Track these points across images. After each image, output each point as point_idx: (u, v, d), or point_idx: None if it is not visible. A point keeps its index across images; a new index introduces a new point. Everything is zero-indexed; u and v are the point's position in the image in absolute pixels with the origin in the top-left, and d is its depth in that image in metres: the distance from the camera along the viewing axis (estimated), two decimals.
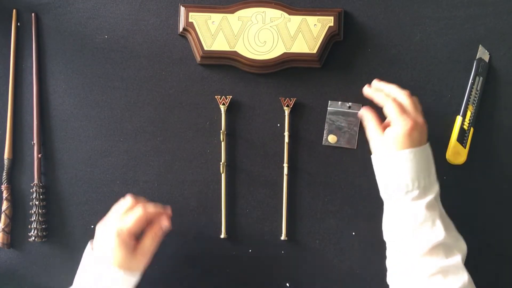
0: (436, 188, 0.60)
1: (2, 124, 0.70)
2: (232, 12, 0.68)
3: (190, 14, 0.68)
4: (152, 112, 0.70)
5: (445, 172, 0.70)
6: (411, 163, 0.58)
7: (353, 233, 0.66)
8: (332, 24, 0.69)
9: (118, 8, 0.71)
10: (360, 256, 0.66)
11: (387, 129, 0.61)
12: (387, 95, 0.63)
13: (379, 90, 0.65)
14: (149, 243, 0.61)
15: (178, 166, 0.70)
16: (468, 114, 0.69)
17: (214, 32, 0.68)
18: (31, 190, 0.69)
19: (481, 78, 0.70)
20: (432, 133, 0.70)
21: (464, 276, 0.56)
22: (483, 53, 0.70)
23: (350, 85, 0.71)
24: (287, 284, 0.70)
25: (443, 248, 0.57)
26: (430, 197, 0.58)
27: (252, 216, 0.70)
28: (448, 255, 0.57)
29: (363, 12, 0.71)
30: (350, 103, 0.70)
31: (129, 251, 0.59)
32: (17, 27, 0.70)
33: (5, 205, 0.69)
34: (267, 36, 0.68)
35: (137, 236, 0.61)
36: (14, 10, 0.70)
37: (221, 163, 0.69)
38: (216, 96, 0.69)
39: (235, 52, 0.68)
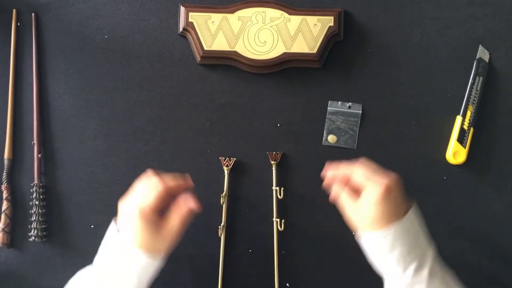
0: (430, 250, 0.56)
1: (2, 124, 0.70)
2: (232, 12, 0.68)
3: (190, 14, 0.68)
4: (152, 112, 0.70)
5: (445, 172, 0.70)
6: (402, 238, 0.54)
7: (353, 233, 0.65)
8: (332, 24, 0.68)
9: (118, 8, 0.71)
10: (360, 256, 0.65)
11: (362, 198, 0.56)
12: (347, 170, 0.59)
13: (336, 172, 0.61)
14: (175, 223, 0.57)
15: (178, 166, 0.70)
16: (468, 114, 0.69)
17: (214, 32, 0.68)
18: (31, 190, 0.69)
19: (481, 78, 0.70)
20: (432, 133, 0.70)
21: None
22: (483, 53, 0.70)
23: (350, 85, 0.71)
24: (287, 284, 0.70)
25: None
26: (428, 263, 0.55)
27: (252, 216, 0.70)
28: None
29: (363, 12, 0.71)
30: (350, 103, 0.70)
31: (153, 230, 0.55)
32: (17, 27, 0.70)
33: (5, 205, 0.69)
34: (267, 36, 0.68)
35: (162, 213, 0.57)
36: (14, 10, 0.70)
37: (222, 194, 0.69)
38: (220, 158, 0.69)
39: (235, 52, 0.68)
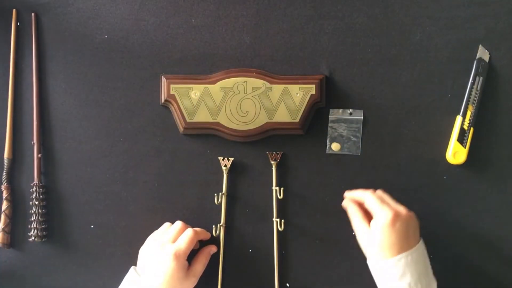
0: (435, 283, 0.59)
1: (2, 124, 0.70)
2: (214, 82, 0.68)
3: (172, 86, 0.68)
4: (152, 112, 0.70)
5: (445, 172, 0.70)
6: (411, 267, 0.57)
7: (354, 233, 0.66)
8: (314, 92, 0.68)
9: (118, 8, 0.71)
10: (360, 256, 0.66)
11: (371, 222, 0.60)
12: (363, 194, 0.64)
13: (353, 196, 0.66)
14: (201, 266, 0.65)
15: (178, 166, 0.70)
16: (468, 114, 0.69)
17: (196, 103, 0.68)
18: (31, 190, 0.69)
19: (481, 78, 0.70)
20: (432, 133, 0.70)
21: None
22: (483, 53, 0.70)
23: (350, 87, 0.71)
24: (287, 284, 0.70)
25: None
26: None
27: (252, 216, 0.70)
28: None
29: (363, 18, 0.71)
30: (351, 110, 0.70)
31: (185, 273, 0.62)
32: (17, 27, 0.70)
33: (5, 205, 0.69)
34: (249, 106, 0.68)
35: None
36: (14, 10, 0.70)
37: (221, 193, 0.69)
38: (219, 157, 0.69)
39: (218, 123, 0.68)
